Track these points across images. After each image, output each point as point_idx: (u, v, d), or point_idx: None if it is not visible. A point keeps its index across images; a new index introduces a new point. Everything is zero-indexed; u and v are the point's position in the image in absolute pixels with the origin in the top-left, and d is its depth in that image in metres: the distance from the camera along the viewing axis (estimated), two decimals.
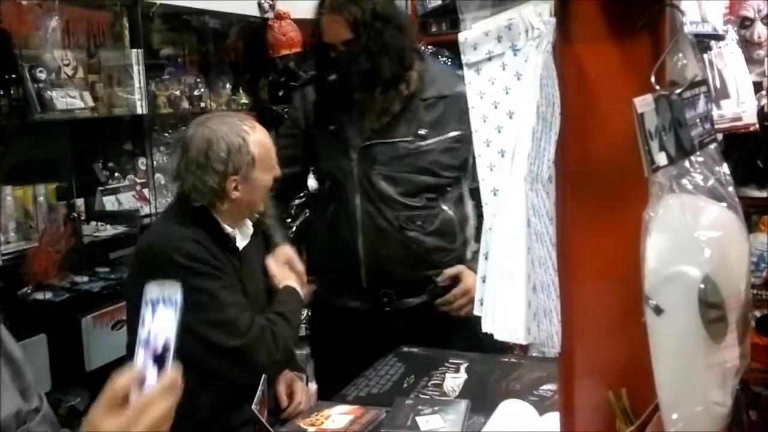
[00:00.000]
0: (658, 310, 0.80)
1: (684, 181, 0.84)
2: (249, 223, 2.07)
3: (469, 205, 2.31)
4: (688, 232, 0.81)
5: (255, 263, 2.10)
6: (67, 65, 2.91)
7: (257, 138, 1.96)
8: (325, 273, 2.37)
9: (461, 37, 1.07)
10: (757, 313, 2.44)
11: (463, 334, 2.13)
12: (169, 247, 1.88)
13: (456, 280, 2.26)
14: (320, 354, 2.52)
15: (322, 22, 2.20)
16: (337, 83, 2.22)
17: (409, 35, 2.23)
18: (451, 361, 2.03)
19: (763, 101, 1.99)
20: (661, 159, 0.82)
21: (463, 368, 1.98)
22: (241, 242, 2.02)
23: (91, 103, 2.95)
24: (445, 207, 2.26)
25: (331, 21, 2.17)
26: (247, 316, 1.90)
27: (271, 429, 1.33)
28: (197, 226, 1.93)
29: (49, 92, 2.78)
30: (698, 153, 0.87)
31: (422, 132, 2.22)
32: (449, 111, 2.20)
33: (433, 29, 3.96)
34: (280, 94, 3.80)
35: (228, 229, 1.97)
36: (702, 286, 0.80)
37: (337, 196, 2.28)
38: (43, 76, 2.78)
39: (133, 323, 2.04)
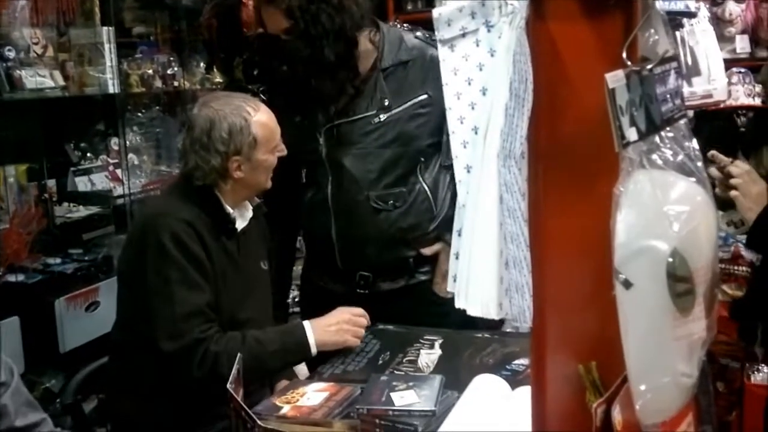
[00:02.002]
0: (627, 284, 0.81)
1: (654, 156, 0.85)
2: (249, 206, 2.09)
3: (447, 179, 2.23)
4: (657, 207, 0.82)
5: (253, 246, 2.11)
6: (37, 44, 2.86)
7: (260, 119, 1.97)
8: (309, 256, 2.41)
9: (435, 13, 1.07)
10: (725, 288, 2.48)
11: (444, 319, 2.09)
12: (160, 221, 1.90)
13: (435, 259, 2.23)
14: None
15: (261, 13, 2.18)
16: (288, 72, 2.21)
17: (354, 10, 2.14)
18: (425, 337, 2.04)
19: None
20: (632, 134, 0.83)
21: (437, 344, 1.99)
22: (240, 224, 2.04)
23: (61, 82, 2.92)
24: (421, 181, 2.22)
25: (268, 12, 2.15)
26: (191, 323, 1.84)
27: (246, 407, 1.33)
28: (198, 205, 1.95)
29: (18, 71, 2.74)
30: (668, 128, 0.88)
31: (386, 102, 2.17)
32: (411, 76, 2.16)
33: (409, 7, 3.96)
34: (255, 72, 3.77)
35: (229, 209, 1.99)
36: (670, 259, 0.81)
37: (313, 182, 2.27)
38: (11, 54, 2.74)
39: (122, 296, 2.05)
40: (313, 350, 1.95)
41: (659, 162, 0.85)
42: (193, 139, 1.95)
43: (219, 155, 1.93)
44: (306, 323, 1.98)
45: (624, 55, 0.85)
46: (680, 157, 0.87)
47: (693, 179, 0.86)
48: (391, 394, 1.60)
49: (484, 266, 0.99)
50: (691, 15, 1.56)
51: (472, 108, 1.05)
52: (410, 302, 2.24)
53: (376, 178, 2.19)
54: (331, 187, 2.22)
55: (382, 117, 2.17)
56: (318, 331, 1.95)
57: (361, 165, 2.19)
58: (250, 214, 2.09)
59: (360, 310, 2.07)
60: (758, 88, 3.09)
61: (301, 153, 2.24)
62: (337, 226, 2.22)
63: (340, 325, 1.98)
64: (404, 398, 1.58)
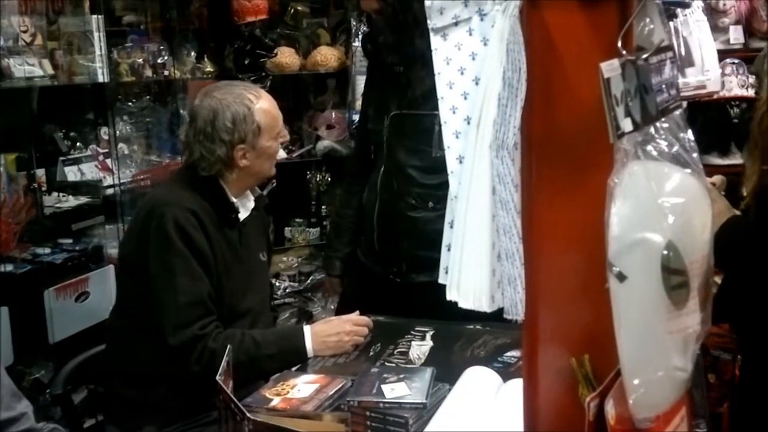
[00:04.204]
0: (621, 277, 0.80)
1: (649, 147, 0.84)
2: (251, 197, 2.10)
3: None
4: (651, 199, 0.81)
5: (254, 237, 2.12)
6: (25, 32, 2.83)
7: (262, 106, 1.98)
8: (362, 230, 2.42)
9: (427, 1, 1.05)
10: (718, 281, 2.47)
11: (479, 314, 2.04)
12: (165, 210, 1.89)
13: None
14: (345, 302, 2.50)
15: None
16: (374, 52, 2.23)
17: None
18: (417, 329, 2.03)
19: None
20: (627, 125, 0.81)
21: (429, 336, 1.98)
22: (243, 214, 2.05)
23: (50, 71, 2.89)
24: None
25: None
26: (193, 313, 1.86)
27: (235, 400, 1.32)
28: (202, 194, 1.96)
29: (6, 60, 2.71)
30: (663, 119, 0.87)
31: None
32: None
33: None
34: (246, 62, 3.73)
35: (233, 199, 2.00)
36: (665, 252, 0.80)
37: (375, 159, 2.32)
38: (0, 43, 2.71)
39: (123, 283, 2.06)
40: (310, 356, 1.93)
41: (654, 153, 0.84)
42: (196, 130, 1.96)
43: (224, 144, 1.94)
44: (306, 329, 1.96)
45: (619, 44, 0.84)
46: (675, 148, 0.86)
47: (688, 170, 0.85)
48: (382, 386, 1.59)
49: (476, 258, 0.97)
50: (685, 5, 1.55)
51: (465, 98, 1.03)
52: (443, 296, 2.21)
53: (422, 175, 2.18)
54: (383, 172, 2.25)
55: None
56: (317, 340, 1.94)
57: (412, 159, 2.19)
58: (252, 204, 2.10)
59: (363, 319, 2.04)
60: (752, 79, 3.08)
61: (370, 131, 2.29)
62: (379, 211, 2.26)
63: (340, 336, 1.96)
64: (395, 390, 1.57)
